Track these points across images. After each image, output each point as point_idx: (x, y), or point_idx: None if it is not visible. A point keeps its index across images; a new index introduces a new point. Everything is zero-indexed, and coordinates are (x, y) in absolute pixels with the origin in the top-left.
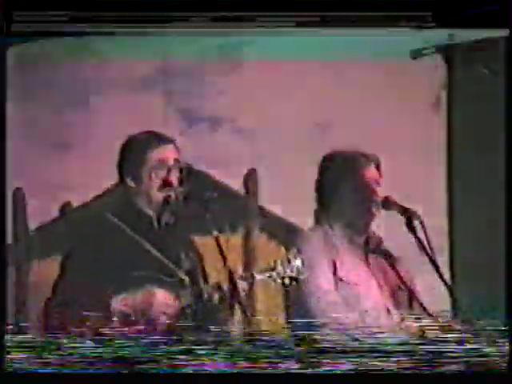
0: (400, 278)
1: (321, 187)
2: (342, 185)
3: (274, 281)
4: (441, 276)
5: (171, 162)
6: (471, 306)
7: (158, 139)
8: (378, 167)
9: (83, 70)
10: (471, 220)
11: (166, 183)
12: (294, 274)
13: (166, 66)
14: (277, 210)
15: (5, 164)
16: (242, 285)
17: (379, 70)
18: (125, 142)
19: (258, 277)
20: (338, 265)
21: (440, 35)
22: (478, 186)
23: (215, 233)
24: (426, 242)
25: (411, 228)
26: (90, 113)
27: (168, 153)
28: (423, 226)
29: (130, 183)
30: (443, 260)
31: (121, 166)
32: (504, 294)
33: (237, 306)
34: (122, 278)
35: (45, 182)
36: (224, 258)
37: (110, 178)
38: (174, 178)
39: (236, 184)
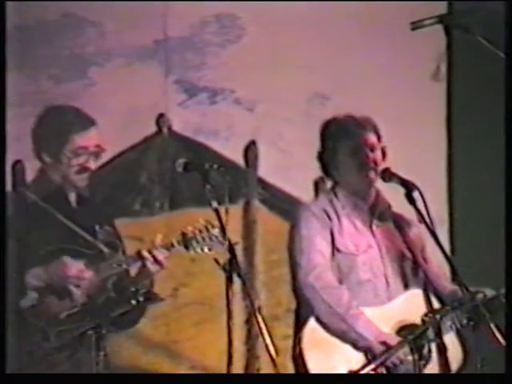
0: (407, 244)
1: (322, 155)
2: (339, 150)
3: (194, 250)
4: (441, 247)
5: (92, 149)
6: (471, 278)
7: (81, 122)
8: (375, 131)
9: (82, 41)
10: (472, 191)
11: (84, 169)
12: (211, 245)
13: (166, 36)
14: (276, 181)
15: (5, 136)
16: (159, 255)
17: (379, 41)
18: (44, 113)
19: (177, 247)
20: (336, 235)
21: (440, 6)
22: (479, 156)
23: (215, 204)
24: (425, 214)
25: (411, 199)
26: (90, 84)
27: (91, 139)
28: (423, 198)
29: (46, 159)
30: (443, 231)
31: (37, 138)
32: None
33: (235, 277)
34: (40, 252)
35: None
36: (223, 229)
37: (111, 150)
38: (92, 163)
39: (236, 156)
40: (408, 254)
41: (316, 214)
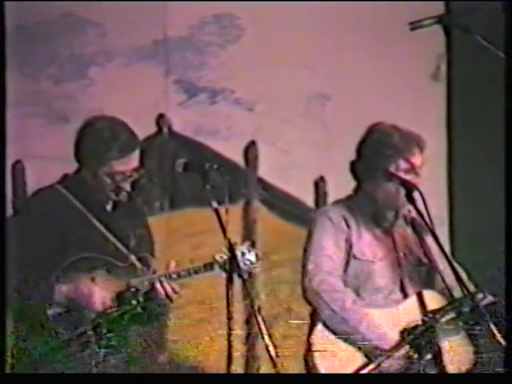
0: (424, 249)
1: (360, 155)
2: (374, 160)
3: (230, 279)
4: (441, 247)
5: (129, 173)
6: (471, 278)
7: (122, 146)
8: (420, 151)
9: (82, 41)
10: (472, 191)
11: (119, 189)
12: (247, 269)
13: (166, 36)
14: (276, 181)
15: (5, 136)
16: (171, 285)
17: (379, 41)
18: (89, 130)
19: (207, 272)
20: (354, 242)
21: (439, 6)
22: (479, 156)
23: (215, 204)
24: (425, 214)
25: (411, 199)
26: (90, 84)
27: (130, 164)
28: (423, 198)
29: (84, 170)
30: (443, 231)
31: (76, 149)
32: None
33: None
34: (72, 259)
35: (44, 154)
36: (223, 230)
37: None
38: (127, 185)
39: (236, 156)
40: (424, 260)
41: (332, 220)
